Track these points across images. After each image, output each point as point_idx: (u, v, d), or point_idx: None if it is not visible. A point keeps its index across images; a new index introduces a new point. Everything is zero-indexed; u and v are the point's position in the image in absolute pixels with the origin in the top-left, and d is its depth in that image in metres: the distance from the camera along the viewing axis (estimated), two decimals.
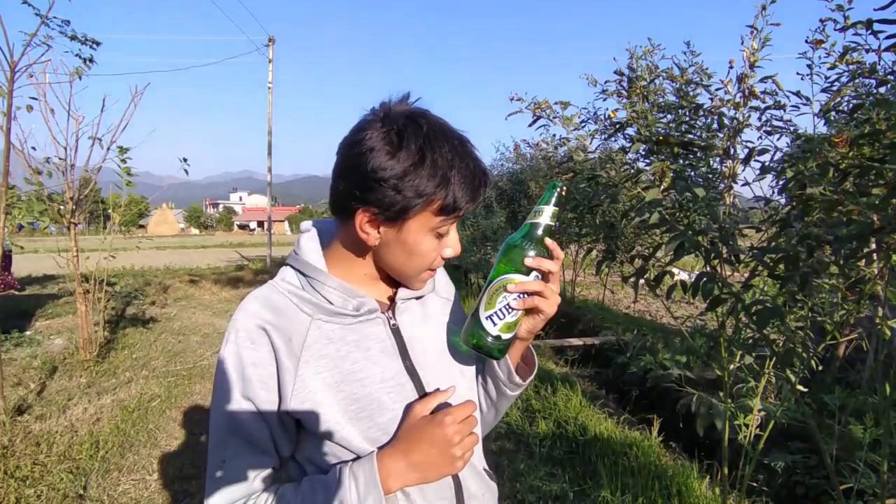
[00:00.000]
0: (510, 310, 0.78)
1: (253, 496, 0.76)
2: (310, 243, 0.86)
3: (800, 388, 2.29)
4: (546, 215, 0.79)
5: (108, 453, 3.38)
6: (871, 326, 1.90)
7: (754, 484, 2.93)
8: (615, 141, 1.97)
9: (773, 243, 1.72)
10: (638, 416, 4.00)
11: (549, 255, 0.79)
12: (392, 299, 0.88)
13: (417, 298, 0.90)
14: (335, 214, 0.83)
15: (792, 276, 1.62)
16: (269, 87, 15.91)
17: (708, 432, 2.75)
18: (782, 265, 1.70)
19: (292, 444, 0.82)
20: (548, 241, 0.79)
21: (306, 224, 0.91)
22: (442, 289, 0.98)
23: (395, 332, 0.85)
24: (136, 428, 3.80)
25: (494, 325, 0.79)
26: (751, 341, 2.06)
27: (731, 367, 2.26)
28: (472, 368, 0.95)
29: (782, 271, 1.52)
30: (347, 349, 0.80)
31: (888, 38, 1.36)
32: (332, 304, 0.80)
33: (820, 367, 2.59)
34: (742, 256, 1.65)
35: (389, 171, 0.71)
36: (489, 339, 0.80)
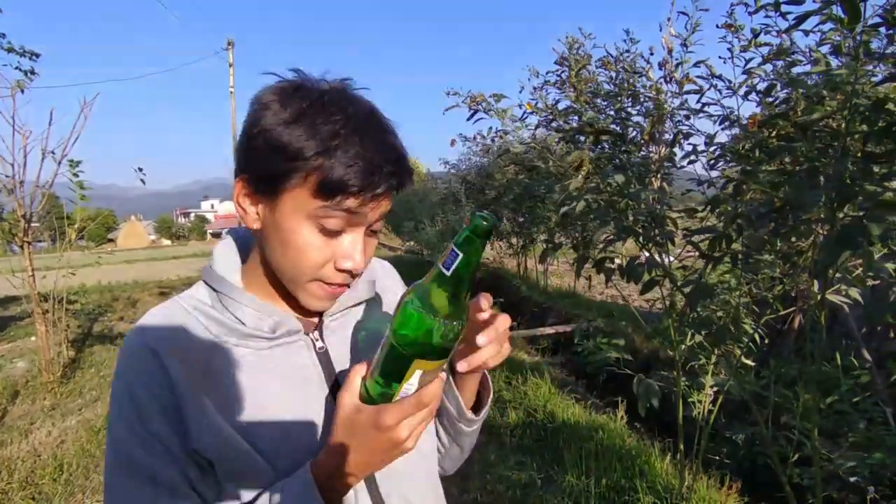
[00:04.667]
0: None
1: None
2: (224, 254, 0.74)
3: (746, 361, 2.36)
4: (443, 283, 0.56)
5: (72, 476, 3.30)
6: (807, 299, 1.97)
7: (716, 457, 3.01)
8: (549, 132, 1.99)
9: (708, 224, 1.77)
10: (606, 400, 4.08)
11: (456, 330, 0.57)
12: (321, 317, 0.74)
13: (354, 307, 0.76)
14: None
15: (724, 256, 1.67)
16: (231, 92, 15.64)
17: (669, 411, 2.82)
18: (722, 244, 1.75)
19: (215, 485, 0.65)
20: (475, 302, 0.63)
21: (225, 232, 0.78)
22: (390, 298, 0.82)
23: (323, 356, 0.71)
24: (102, 448, 3.71)
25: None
26: (698, 320, 2.12)
27: (682, 346, 2.32)
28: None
29: (712, 251, 1.56)
30: (262, 379, 0.67)
31: (795, 18, 1.40)
32: (244, 324, 0.67)
33: (766, 341, 2.68)
34: (676, 239, 1.69)
35: (261, 124, 0.60)
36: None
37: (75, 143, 4.81)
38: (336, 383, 0.70)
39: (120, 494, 0.63)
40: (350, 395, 0.61)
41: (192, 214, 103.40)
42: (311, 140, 0.58)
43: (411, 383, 0.59)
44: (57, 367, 5.11)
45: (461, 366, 0.67)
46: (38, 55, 4.11)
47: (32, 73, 4.20)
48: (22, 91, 4.18)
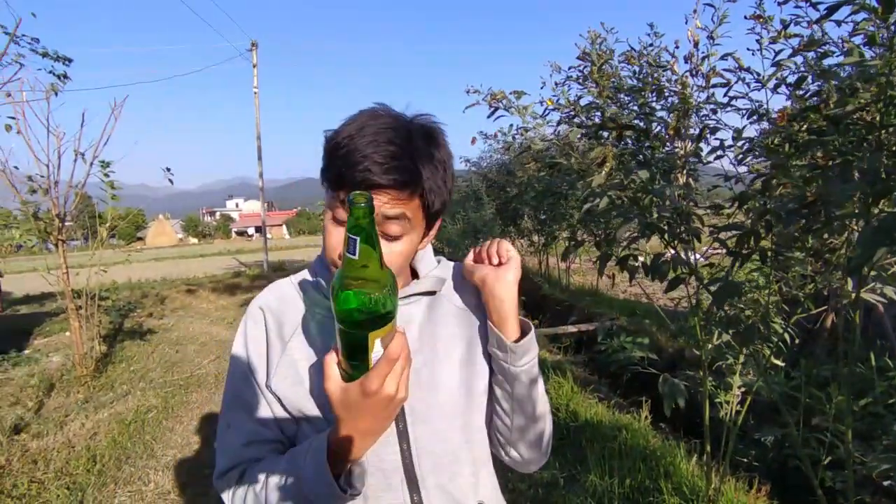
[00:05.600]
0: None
1: (243, 465, 0.80)
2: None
3: (776, 361, 2.30)
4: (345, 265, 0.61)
5: (104, 467, 3.41)
6: (840, 298, 1.91)
7: (744, 459, 2.94)
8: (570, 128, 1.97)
9: (734, 221, 1.73)
10: (630, 400, 4.02)
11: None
12: None
13: (424, 294, 0.87)
14: None
15: (752, 253, 1.63)
16: (255, 92, 15.87)
17: (696, 411, 2.77)
18: (750, 241, 1.71)
19: (291, 422, 0.82)
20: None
21: None
22: (453, 294, 0.91)
23: None
24: (133, 440, 3.83)
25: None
26: (726, 319, 2.08)
27: (710, 345, 2.27)
28: (481, 382, 0.87)
29: (740, 248, 1.52)
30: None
31: (826, 8, 1.36)
32: (328, 298, 0.74)
33: (797, 341, 2.61)
34: (703, 236, 1.65)
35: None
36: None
37: (106, 144, 4.96)
38: None
39: (227, 412, 0.84)
40: (333, 382, 0.68)
41: (218, 213, 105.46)
42: (329, 143, 0.75)
43: (376, 351, 0.64)
44: (90, 361, 5.27)
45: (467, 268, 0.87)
46: (70, 60, 4.24)
47: (65, 76, 4.33)
48: (56, 94, 4.31)
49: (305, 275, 0.88)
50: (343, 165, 0.71)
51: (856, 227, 1.57)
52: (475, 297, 0.89)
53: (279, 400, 0.80)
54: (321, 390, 0.71)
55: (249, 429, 0.81)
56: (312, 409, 0.78)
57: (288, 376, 0.79)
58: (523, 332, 0.85)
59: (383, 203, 0.71)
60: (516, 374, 0.84)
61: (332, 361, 0.68)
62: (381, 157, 0.70)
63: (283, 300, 0.85)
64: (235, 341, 0.85)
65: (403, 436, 0.80)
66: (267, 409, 0.81)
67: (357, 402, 0.67)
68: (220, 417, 0.85)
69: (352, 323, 0.61)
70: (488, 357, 0.87)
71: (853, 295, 1.76)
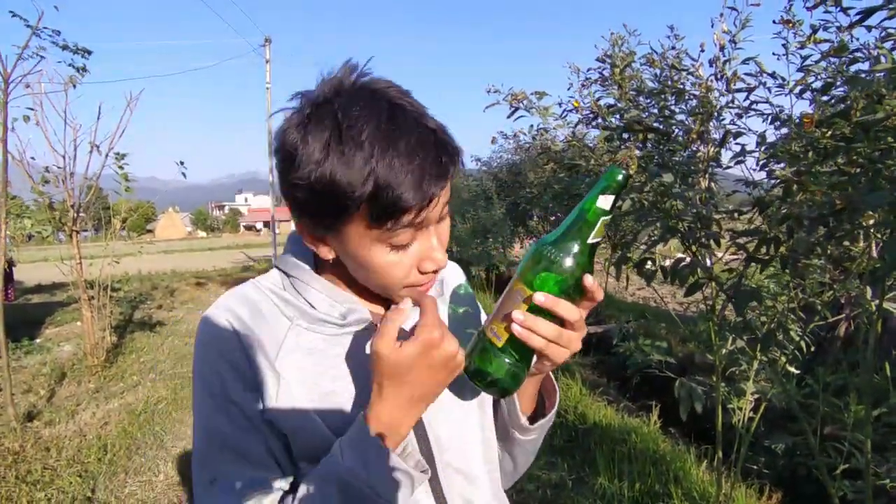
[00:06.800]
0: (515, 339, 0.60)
1: None
2: (299, 243, 0.74)
3: (790, 369, 2.28)
4: (590, 225, 0.58)
5: (115, 456, 3.44)
6: (860, 306, 1.89)
7: (754, 466, 2.92)
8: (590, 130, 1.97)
9: (754, 226, 1.72)
10: (639, 403, 4.01)
11: (580, 292, 0.60)
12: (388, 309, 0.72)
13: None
14: None
15: (772, 259, 1.62)
16: (268, 87, 15.94)
17: (706, 417, 2.75)
18: (765, 248, 1.70)
19: (291, 461, 0.66)
20: (587, 279, 0.59)
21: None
22: (455, 294, 0.82)
23: None
24: (143, 431, 3.86)
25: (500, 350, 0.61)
26: (741, 325, 2.06)
27: (724, 350, 2.26)
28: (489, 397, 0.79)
29: (762, 254, 1.51)
30: (329, 364, 0.67)
31: (857, 14, 1.35)
32: (314, 308, 0.68)
33: (812, 349, 2.58)
34: (722, 241, 1.64)
35: (297, 170, 0.57)
36: (492, 365, 0.61)
37: (121, 136, 5.00)
38: None
39: (207, 463, 0.64)
40: (386, 341, 0.58)
41: (227, 207, 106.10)
42: (347, 173, 0.55)
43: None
44: (101, 351, 5.33)
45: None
46: (90, 52, 4.28)
47: (84, 69, 4.36)
48: (74, 87, 4.35)
49: (273, 280, 0.72)
50: (393, 190, 0.55)
51: (879, 236, 1.55)
52: (467, 303, 0.83)
53: (279, 436, 0.64)
54: (333, 418, 0.63)
55: (247, 478, 0.62)
56: (320, 445, 0.63)
57: (291, 404, 0.64)
58: (542, 402, 0.78)
59: (445, 193, 0.61)
60: (520, 441, 0.78)
61: (392, 321, 0.59)
62: (435, 151, 0.58)
63: (257, 313, 0.67)
64: (198, 366, 0.66)
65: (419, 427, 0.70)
66: (266, 453, 0.64)
67: (407, 362, 0.57)
68: (197, 473, 0.65)
69: (575, 270, 0.58)
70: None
71: (873, 304, 1.74)
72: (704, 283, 1.54)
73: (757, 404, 2.31)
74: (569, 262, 0.58)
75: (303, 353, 0.66)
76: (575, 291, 0.59)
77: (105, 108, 4.85)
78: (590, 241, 0.58)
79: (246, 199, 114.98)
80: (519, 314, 0.59)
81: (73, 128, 4.79)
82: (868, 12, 1.13)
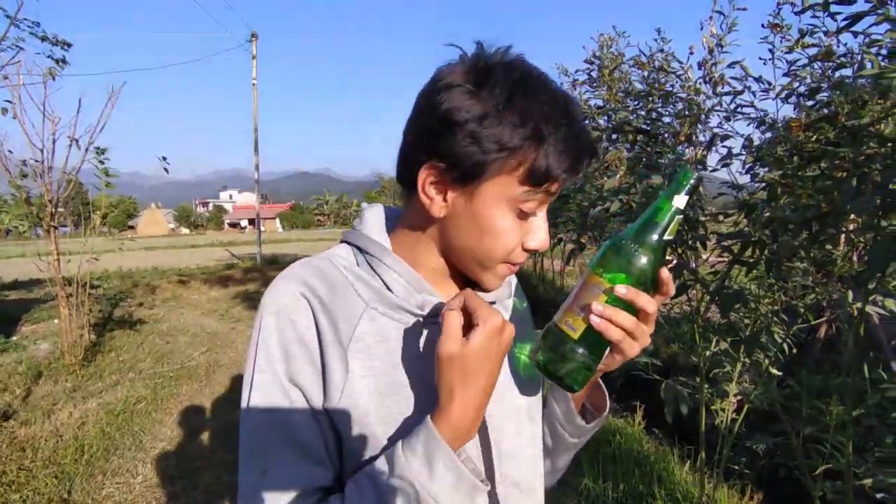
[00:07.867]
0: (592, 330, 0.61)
1: None
2: (374, 217, 0.70)
3: (773, 371, 2.31)
4: (666, 222, 0.60)
5: (92, 457, 3.36)
6: (842, 308, 1.92)
7: (735, 467, 2.96)
8: None
9: (738, 228, 1.73)
10: (623, 404, 4.03)
11: (656, 287, 0.61)
12: None
13: (492, 304, 0.71)
14: (401, 184, 0.66)
15: (757, 262, 1.63)
16: (254, 84, 15.77)
17: (690, 418, 2.78)
18: (749, 250, 1.71)
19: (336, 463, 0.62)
20: (664, 273, 0.61)
21: (370, 204, 0.75)
22: (518, 296, 0.80)
23: None
24: (122, 431, 3.78)
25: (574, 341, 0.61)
26: (726, 326, 2.08)
27: (707, 352, 2.28)
28: (539, 404, 0.78)
29: (746, 256, 1.52)
30: (403, 354, 0.63)
31: (845, 19, 1.36)
32: (392, 292, 0.64)
33: (794, 350, 2.62)
34: (708, 244, 1.65)
35: (465, 113, 0.55)
36: (566, 357, 0.61)
37: (102, 130, 4.90)
38: None
39: (261, 451, 0.59)
40: (453, 340, 0.56)
41: (211, 204, 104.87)
42: (521, 129, 0.55)
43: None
44: (79, 349, 5.21)
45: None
46: (69, 45, 4.18)
47: (64, 61, 4.27)
48: (53, 79, 4.25)
49: (346, 256, 0.67)
50: (558, 156, 0.56)
51: (861, 240, 1.58)
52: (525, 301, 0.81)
53: (337, 432, 0.61)
54: (394, 418, 0.61)
55: (303, 473, 0.58)
56: (372, 447, 0.60)
57: (355, 405, 0.60)
58: (595, 406, 0.78)
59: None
60: (568, 443, 0.77)
61: (453, 321, 0.57)
62: (590, 138, 0.62)
63: (334, 289, 0.63)
64: (263, 335, 0.61)
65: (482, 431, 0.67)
66: (322, 445, 0.60)
67: (484, 349, 0.56)
68: (247, 460, 0.60)
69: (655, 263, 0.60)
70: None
71: (855, 306, 1.77)
72: (691, 285, 1.55)
73: (739, 405, 2.33)
74: (647, 256, 0.59)
75: (375, 339, 0.62)
76: (651, 285, 0.61)
77: (86, 103, 4.76)
78: (666, 237, 0.60)
79: (231, 196, 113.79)
80: (598, 305, 0.58)
81: (51, 121, 4.69)
82: (856, 17, 1.14)
